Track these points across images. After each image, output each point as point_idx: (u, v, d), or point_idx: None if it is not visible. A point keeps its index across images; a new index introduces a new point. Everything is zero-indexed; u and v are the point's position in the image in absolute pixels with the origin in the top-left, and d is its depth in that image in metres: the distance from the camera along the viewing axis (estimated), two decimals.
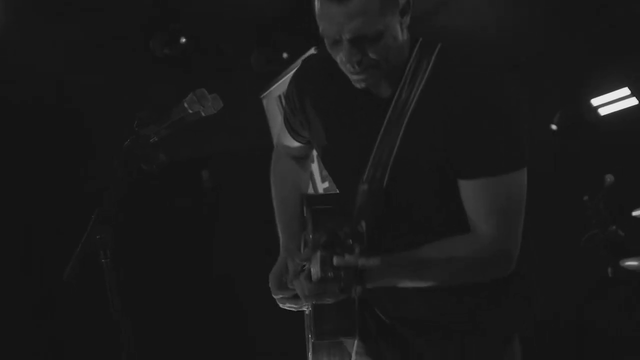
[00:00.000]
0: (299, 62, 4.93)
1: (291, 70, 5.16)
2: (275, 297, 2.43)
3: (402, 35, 2.04)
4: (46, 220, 5.36)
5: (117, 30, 5.28)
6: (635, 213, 4.16)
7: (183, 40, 5.49)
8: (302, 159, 2.71)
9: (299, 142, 2.62)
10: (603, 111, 6.46)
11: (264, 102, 5.89)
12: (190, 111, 2.43)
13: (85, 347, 5.33)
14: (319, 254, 1.74)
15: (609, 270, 4.46)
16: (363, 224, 1.79)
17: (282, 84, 5.39)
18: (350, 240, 1.72)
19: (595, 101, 6.49)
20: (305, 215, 2.44)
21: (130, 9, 5.21)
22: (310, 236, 2.20)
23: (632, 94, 6.13)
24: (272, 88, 5.63)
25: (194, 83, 2.83)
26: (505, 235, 2.05)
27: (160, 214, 5.74)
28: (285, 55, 5.71)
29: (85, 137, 5.39)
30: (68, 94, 5.29)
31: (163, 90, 4.56)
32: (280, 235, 2.63)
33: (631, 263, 4.08)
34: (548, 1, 5.36)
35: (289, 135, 2.63)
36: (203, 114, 2.54)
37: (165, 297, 5.64)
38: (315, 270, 1.77)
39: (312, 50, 4.80)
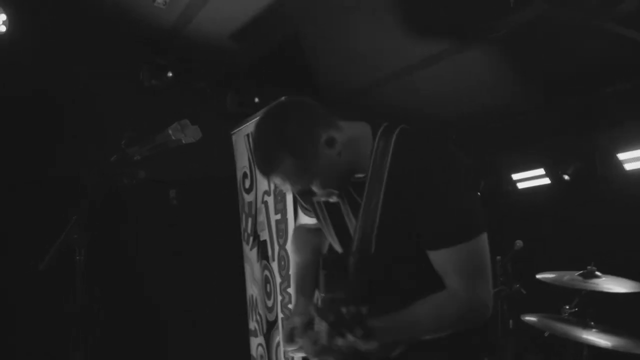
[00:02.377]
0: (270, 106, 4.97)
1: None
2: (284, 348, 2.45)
3: (337, 157, 2.10)
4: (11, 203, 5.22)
5: (114, 63, 5.26)
6: (539, 276, 4.21)
7: (170, 74, 5.48)
8: (317, 229, 2.65)
9: (310, 216, 2.65)
10: (520, 185, 6.59)
11: (234, 138, 5.89)
12: (173, 138, 2.44)
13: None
14: (326, 326, 1.86)
15: (510, 322, 4.50)
16: (364, 309, 1.80)
17: (251, 124, 5.41)
18: (353, 322, 1.78)
19: (515, 176, 6.61)
20: (319, 274, 2.36)
21: (128, 43, 5.22)
22: (322, 295, 2.17)
23: (546, 175, 6.26)
24: (242, 127, 5.65)
25: (174, 113, 2.84)
26: (475, 291, 2.08)
27: (130, 223, 5.66)
28: (256, 99, 5.73)
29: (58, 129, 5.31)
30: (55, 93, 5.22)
31: (147, 114, 4.56)
32: (293, 292, 2.69)
33: (530, 318, 4.12)
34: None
35: (301, 212, 2.71)
36: (184, 142, 2.55)
37: (130, 298, 5.54)
38: (322, 337, 1.91)
39: (282, 99, 4.83)
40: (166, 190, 6.13)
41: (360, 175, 2.20)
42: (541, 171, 6.39)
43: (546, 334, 4.13)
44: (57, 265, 2.32)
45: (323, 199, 2.23)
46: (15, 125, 5.10)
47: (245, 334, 5.85)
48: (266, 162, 2.09)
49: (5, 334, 5.05)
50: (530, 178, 6.57)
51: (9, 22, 4.62)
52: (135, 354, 5.51)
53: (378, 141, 2.16)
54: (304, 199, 2.34)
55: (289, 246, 4.79)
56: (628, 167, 5.56)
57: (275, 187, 4.91)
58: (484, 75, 5.41)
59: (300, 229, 2.82)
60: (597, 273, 4.26)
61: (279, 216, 4.93)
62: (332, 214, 2.38)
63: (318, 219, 2.49)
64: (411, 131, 2.18)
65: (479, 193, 2.20)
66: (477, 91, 5.64)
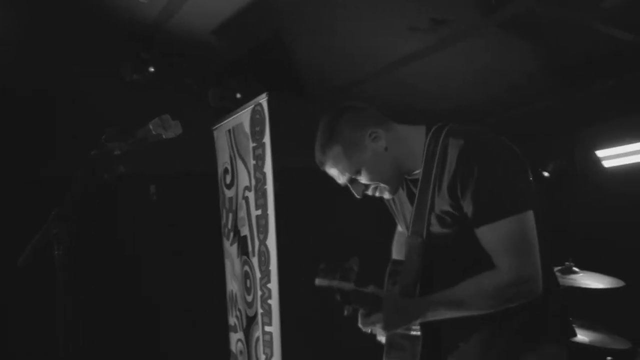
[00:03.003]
0: (252, 102, 4.98)
1: (244, 108, 5.16)
2: None
3: (384, 151, 2.41)
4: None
5: (96, 58, 5.24)
6: None
7: (151, 69, 5.46)
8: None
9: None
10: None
11: (215, 133, 5.88)
12: (154, 133, 2.44)
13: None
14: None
15: None
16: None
17: (234, 120, 5.40)
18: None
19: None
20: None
21: (110, 38, 5.19)
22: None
23: None
24: (224, 122, 5.63)
25: (156, 108, 2.83)
26: (520, 266, 2.17)
27: (110, 219, 5.65)
28: (238, 95, 5.71)
29: (50, 129, 5.28)
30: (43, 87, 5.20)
31: (128, 109, 4.54)
32: None
33: None
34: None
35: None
36: (164, 137, 2.54)
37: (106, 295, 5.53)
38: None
39: (264, 95, 4.84)
40: (146, 186, 6.10)
41: (416, 172, 2.44)
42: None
43: None
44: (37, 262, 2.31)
45: (376, 194, 2.51)
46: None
47: (225, 330, 5.84)
48: (319, 151, 2.46)
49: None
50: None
51: None
52: (114, 348, 5.49)
53: (430, 139, 2.38)
54: (356, 190, 2.50)
55: (270, 242, 4.79)
56: (607, 164, 5.61)
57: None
58: (465, 73, 5.43)
59: (398, 233, 3.03)
60: (575, 269, 4.30)
61: (259, 212, 4.93)
62: (401, 208, 2.66)
63: (392, 214, 2.82)
64: (459, 127, 2.38)
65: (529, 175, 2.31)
66: (457, 89, 5.67)
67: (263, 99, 4.86)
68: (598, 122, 5.53)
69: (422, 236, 2.40)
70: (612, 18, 4.31)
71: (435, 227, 2.37)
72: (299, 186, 5.53)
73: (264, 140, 4.82)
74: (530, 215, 2.21)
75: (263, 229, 4.89)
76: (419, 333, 2.37)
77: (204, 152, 5.94)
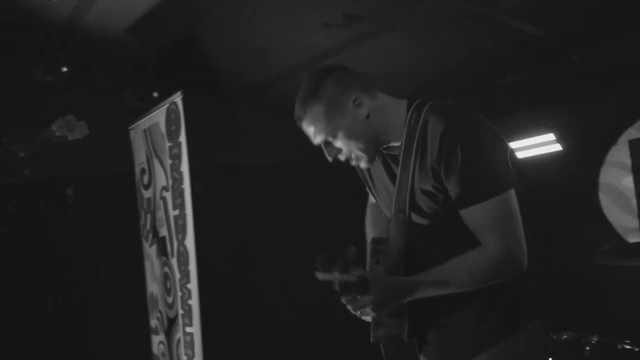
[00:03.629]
0: (167, 101, 4.93)
1: (159, 108, 5.11)
2: None
3: (364, 119, 2.36)
4: None
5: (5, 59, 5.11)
6: None
7: (64, 69, 5.35)
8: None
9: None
10: None
11: (131, 133, 5.79)
12: (58, 134, 2.40)
13: None
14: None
15: None
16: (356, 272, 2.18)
17: (149, 119, 5.33)
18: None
19: None
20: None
21: (20, 35, 5.06)
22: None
23: None
24: (140, 122, 5.56)
25: (70, 109, 2.78)
26: (505, 244, 2.18)
27: (24, 225, 5.52)
28: (155, 94, 5.65)
29: None
30: None
31: (42, 111, 4.43)
32: None
33: None
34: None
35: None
36: (70, 138, 2.51)
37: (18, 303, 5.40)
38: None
39: (179, 94, 4.79)
40: (63, 188, 5.98)
41: (396, 144, 2.41)
42: None
43: None
44: None
45: (352, 161, 2.47)
46: None
47: (146, 332, 5.77)
48: (299, 106, 2.41)
49: None
50: None
51: None
52: (34, 353, 5.38)
53: (411, 113, 2.35)
54: (329, 152, 2.45)
55: (189, 242, 4.75)
56: (519, 155, 5.74)
57: (176, 181, 4.87)
58: (379, 68, 5.48)
59: (371, 207, 2.98)
60: None
61: (177, 212, 4.88)
62: (378, 184, 2.62)
63: (368, 188, 2.76)
64: (442, 102, 2.35)
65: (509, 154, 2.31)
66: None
67: (178, 98, 4.82)
68: (509, 114, 5.65)
69: (406, 215, 2.38)
70: (521, 13, 4.41)
71: (418, 207, 2.35)
72: (217, 185, 5.51)
73: (180, 140, 4.77)
74: (513, 194, 2.22)
75: (181, 229, 4.85)
76: (406, 309, 2.37)
77: (122, 152, 5.85)
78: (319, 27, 4.78)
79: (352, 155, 2.45)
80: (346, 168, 2.59)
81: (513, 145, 5.74)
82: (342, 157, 2.46)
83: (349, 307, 2.30)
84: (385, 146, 2.47)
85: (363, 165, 2.49)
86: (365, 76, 2.44)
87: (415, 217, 2.37)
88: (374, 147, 2.44)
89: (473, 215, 2.22)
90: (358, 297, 2.23)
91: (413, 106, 2.37)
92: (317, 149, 2.45)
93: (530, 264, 2.28)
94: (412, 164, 2.32)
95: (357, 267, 2.21)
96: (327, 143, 2.42)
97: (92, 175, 5.85)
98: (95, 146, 2.87)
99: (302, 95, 2.41)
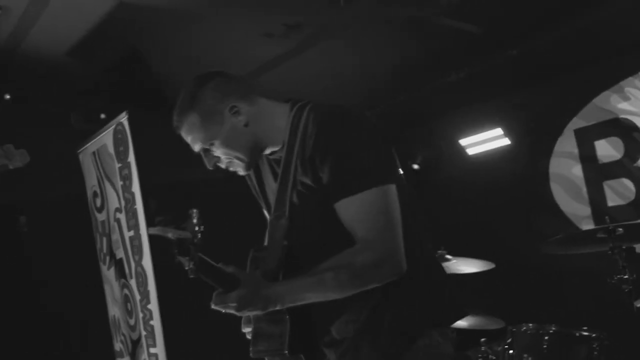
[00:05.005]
0: (113, 122, 4.88)
1: (106, 129, 5.06)
2: None
3: (243, 127, 2.32)
4: None
5: None
6: None
7: (7, 96, 5.27)
8: None
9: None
10: None
11: (80, 157, 5.72)
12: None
13: None
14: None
15: None
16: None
17: (97, 141, 5.27)
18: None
19: None
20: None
21: None
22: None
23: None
24: (88, 145, 5.49)
25: (15, 137, 2.73)
26: (380, 242, 2.08)
27: None
28: (102, 115, 5.59)
29: None
30: None
31: None
32: None
33: None
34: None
35: None
36: (10, 167, 2.46)
37: None
38: None
39: (124, 114, 4.75)
40: (16, 217, 5.88)
41: (277, 150, 2.38)
42: None
43: None
44: None
45: (230, 168, 2.40)
46: None
47: (111, 356, 5.69)
48: (176, 115, 2.35)
49: None
50: None
51: None
52: None
53: (293, 117, 2.31)
54: (208, 161, 2.39)
55: (146, 262, 4.70)
56: (470, 151, 5.81)
57: (128, 202, 4.82)
58: (322, 76, 5.50)
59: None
60: (448, 256, 4.42)
61: (132, 232, 4.83)
62: (268, 191, 2.55)
63: (254, 193, 2.68)
64: (322, 105, 2.30)
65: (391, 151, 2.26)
66: (321, 90, 5.72)
67: (123, 118, 4.78)
68: (455, 112, 5.72)
69: (285, 215, 2.31)
70: (458, 12, 4.47)
71: (298, 206, 2.28)
72: (170, 202, 5.46)
73: (129, 160, 4.72)
74: (391, 189, 2.11)
75: (137, 250, 4.79)
76: (287, 317, 2.22)
77: (73, 176, 5.78)
78: (262, 37, 4.79)
79: (231, 163, 2.39)
80: None
81: (463, 142, 5.80)
82: (222, 165, 2.41)
83: (213, 300, 2.14)
84: (269, 152, 2.42)
85: (241, 172, 2.44)
86: (245, 82, 2.40)
87: (295, 218, 2.30)
88: (254, 153, 2.39)
89: (345, 208, 2.12)
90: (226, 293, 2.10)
91: (295, 108, 2.34)
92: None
93: (420, 267, 2.21)
94: (293, 163, 2.28)
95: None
96: (206, 151, 2.37)
97: (43, 201, 5.76)
98: (43, 172, 2.82)
99: (179, 103, 2.36)
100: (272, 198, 2.46)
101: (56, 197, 5.78)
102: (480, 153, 5.77)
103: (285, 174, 2.31)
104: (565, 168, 5.47)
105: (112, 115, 5.33)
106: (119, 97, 5.36)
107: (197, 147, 2.37)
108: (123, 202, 4.91)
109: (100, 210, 5.48)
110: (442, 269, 2.48)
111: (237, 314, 2.16)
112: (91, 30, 4.66)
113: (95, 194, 5.54)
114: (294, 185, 2.28)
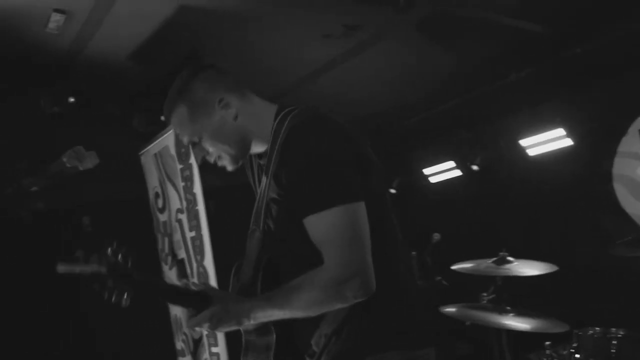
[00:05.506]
0: None
1: (167, 131, 5.12)
2: None
3: (232, 120, 2.28)
4: None
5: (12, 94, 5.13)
6: (454, 267, 4.28)
7: (71, 99, 5.37)
8: None
9: None
10: (433, 179, 6.70)
11: (142, 158, 5.80)
12: (69, 165, 2.39)
13: None
14: None
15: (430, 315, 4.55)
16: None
17: (159, 143, 5.34)
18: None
19: (426, 171, 6.72)
20: None
21: (25, 67, 5.08)
22: None
23: (457, 167, 6.39)
24: (150, 146, 5.57)
25: (80, 139, 2.77)
26: (342, 263, 1.99)
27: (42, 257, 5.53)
28: (163, 117, 5.64)
29: None
30: None
31: (51, 144, 4.43)
32: None
33: (448, 309, 4.17)
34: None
35: None
36: (81, 169, 2.49)
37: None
38: None
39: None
40: (79, 218, 5.99)
41: (261, 151, 2.35)
42: (452, 164, 6.51)
43: (467, 323, 4.19)
44: None
45: (218, 162, 2.36)
46: None
47: (173, 355, 5.76)
48: (166, 108, 2.32)
49: None
50: (442, 171, 6.69)
51: None
52: None
53: (278, 122, 2.25)
54: (196, 154, 2.40)
55: (208, 262, 4.75)
56: (531, 152, 5.72)
57: (190, 203, 4.86)
58: (382, 77, 5.48)
59: None
60: (509, 258, 4.35)
61: (193, 233, 4.88)
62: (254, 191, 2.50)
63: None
64: (303, 112, 2.23)
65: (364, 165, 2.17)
66: (380, 91, 5.72)
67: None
68: (519, 112, 5.63)
69: (260, 228, 2.26)
70: (518, 11, 4.40)
71: (272, 219, 2.23)
72: (231, 203, 5.49)
73: (190, 161, 4.78)
74: (359, 206, 2.04)
75: (199, 250, 4.84)
76: (272, 329, 2.19)
77: (135, 178, 5.87)
78: (320, 38, 4.79)
79: (219, 157, 2.35)
80: None
81: (523, 143, 5.71)
82: (210, 159, 2.37)
83: (185, 323, 2.14)
84: (256, 152, 2.38)
85: (228, 167, 2.37)
86: (235, 76, 2.36)
87: (270, 231, 2.24)
88: (242, 149, 2.34)
89: (312, 226, 2.05)
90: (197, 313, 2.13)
91: (281, 115, 2.26)
92: None
93: (393, 286, 2.14)
94: (270, 174, 2.21)
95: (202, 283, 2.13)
96: (195, 143, 2.34)
97: (107, 202, 5.86)
98: (106, 173, 2.86)
99: (169, 95, 2.32)
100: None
101: (119, 198, 5.88)
102: (542, 154, 5.67)
103: (263, 187, 2.27)
104: (629, 169, 5.34)
105: None
106: None
107: (185, 140, 2.35)
108: (185, 203, 4.97)
109: (162, 210, 5.55)
110: (416, 290, 2.32)
111: (214, 331, 2.19)
112: (152, 34, 4.72)
113: (157, 195, 5.62)
114: (267, 197, 2.22)
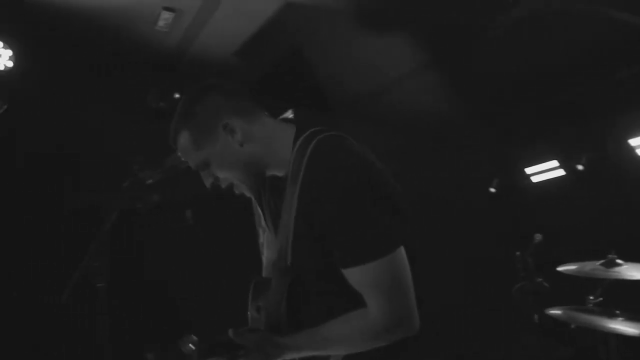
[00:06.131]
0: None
1: None
2: None
3: (238, 146, 2.14)
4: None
5: (120, 89, 5.30)
6: (560, 268, 4.19)
7: (177, 95, 5.50)
8: None
9: None
10: (535, 179, 6.57)
11: None
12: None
13: None
14: None
15: (535, 317, 4.48)
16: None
17: None
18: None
19: (528, 170, 6.60)
20: None
21: (134, 70, 5.24)
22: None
23: (560, 166, 6.24)
24: None
25: None
26: (391, 309, 1.96)
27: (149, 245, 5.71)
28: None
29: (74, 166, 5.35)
30: (67, 131, 5.24)
31: (158, 138, 4.56)
32: None
33: (554, 311, 4.09)
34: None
35: None
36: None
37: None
38: None
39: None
40: (182, 211, 6.12)
41: (279, 175, 2.19)
42: (555, 163, 6.37)
43: (572, 326, 4.10)
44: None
45: (235, 190, 2.26)
46: (26, 160, 5.15)
47: None
48: (171, 134, 2.22)
49: None
50: (544, 171, 6.55)
51: (15, 58, 4.66)
52: None
53: (299, 146, 2.10)
54: (205, 179, 2.26)
55: None
56: None
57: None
58: (489, 70, 5.40)
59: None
60: (618, 261, 4.22)
61: None
62: (267, 214, 2.38)
63: (261, 218, 2.50)
64: (329, 140, 2.09)
65: (395, 204, 2.06)
66: (482, 87, 5.64)
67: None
68: (628, 110, 5.45)
69: (286, 262, 2.09)
70: (630, 5, 4.27)
71: (299, 254, 2.08)
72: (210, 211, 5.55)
73: None
74: (399, 253, 1.97)
75: None
76: None
77: None
78: (420, 39, 4.78)
79: (234, 185, 2.24)
80: None
81: (632, 142, 5.54)
82: (222, 185, 2.25)
83: None
84: (271, 175, 2.23)
85: (246, 194, 2.28)
86: (245, 96, 2.24)
87: (296, 265, 2.09)
88: (253, 176, 2.22)
89: (354, 276, 1.98)
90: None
91: (301, 139, 2.11)
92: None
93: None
94: (295, 206, 2.04)
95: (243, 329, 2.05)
96: (200, 169, 2.23)
97: (208, 195, 5.97)
98: None
99: (175, 118, 2.21)
100: (270, 223, 2.34)
101: (220, 191, 5.99)
102: None
103: (285, 215, 2.09)
104: None
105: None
106: (283, 95, 5.48)
107: (192, 166, 2.25)
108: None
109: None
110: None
111: None
112: (257, 30, 4.79)
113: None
114: (295, 231, 2.06)
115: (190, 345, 2.16)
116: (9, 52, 4.64)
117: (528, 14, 4.42)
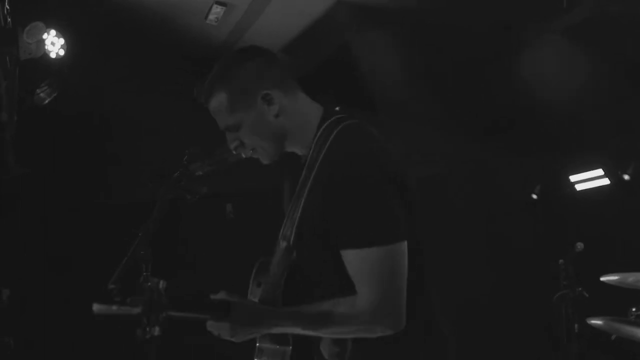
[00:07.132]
0: None
1: None
2: None
3: (273, 117, 2.14)
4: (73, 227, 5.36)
5: (168, 81, 5.35)
6: (603, 278, 4.14)
7: None
8: None
9: None
10: (579, 187, 6.50)
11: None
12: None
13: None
14: None
15: (576, 326, 4.44)
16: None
17: None
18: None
19: (572, 178, 6.54)
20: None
21: (183, 63, 5.29)
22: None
23: (605, 175, 6.18)
24: None
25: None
26: (377, 304, 1.94)
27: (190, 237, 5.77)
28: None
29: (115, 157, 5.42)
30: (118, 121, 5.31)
31: (205, 130, 4.60)
32: None
33: (595, 321, 4.05)
34: None
35: None
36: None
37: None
38: None
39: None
40: (223, 205, 6.18)
41: (299, 154, 2.23)
42: (600, 172, 6.30)
43: (613, 337, 4.05)
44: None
45: (253, 155, 2.26)
46: (73, 149, 5.22)
47: None
48: (205, 91, 2.20)
49: None
50: (589, 179, 6.48)
51: (67, 47, 4.73)
52: None
53: (323, 129, 2.12)
54: (230, 141, 2.23)
55: None
56: None
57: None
58: (541, 74, 5.37)
59: None
60: None
61: None
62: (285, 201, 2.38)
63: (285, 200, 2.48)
64: (354, 126, 2.09)
65: (409, 203, 2.04)
66: (532, 90, 5.60)
67: None
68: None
69: (290, 242, 2.10)
70: None
71: (304, 235, 2.08)
72: (250, 207, 5.54)
73: None
74: (401, 247, 1.95)
75: None
76: (289, 336, 2.12)
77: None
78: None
79: (254, 150, 2.24)
80: None
81: None
82: (245, 150, 2.24)
83: (207, 325, 2.06)
84: (291, 152, 2.25)
85: (264, 161, 2.27)
86: (287, 69, 2.21)
87: (299, 245, 2.09)
88: (278, 148, 2.22)
89: (350, 259, 1.96)
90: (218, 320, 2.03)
91: (327, 122, 2.12)
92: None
93: (418, 323, 2.04)
94: (307, 187, 2.07)
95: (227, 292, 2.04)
96: (228, 131, 2.22)
97: (247, 191, 6.01)
98: (246, 164, 2.92)
99: (210, 77, 2.20)
100: (288, 201, 2.31)
101: (258, 188, 6.03)
102: None
103: (299, 195, 2.12)
104: None
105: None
106: (329, 93, 5.50)
107: (221, 126, 2.24)
108: None
109: None
110: (442, 331, 2.17)
111: (234, 340, 2.08)
112: (306, 27, 4.82)
113: None
114: (303, 212, 2.08)
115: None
116: (62, 41, 4.71)
117: (583, 19, 4.38)
